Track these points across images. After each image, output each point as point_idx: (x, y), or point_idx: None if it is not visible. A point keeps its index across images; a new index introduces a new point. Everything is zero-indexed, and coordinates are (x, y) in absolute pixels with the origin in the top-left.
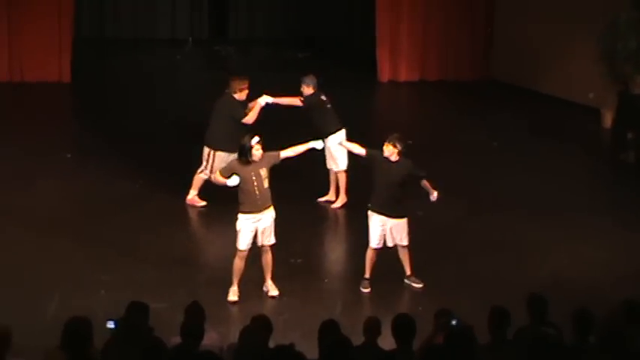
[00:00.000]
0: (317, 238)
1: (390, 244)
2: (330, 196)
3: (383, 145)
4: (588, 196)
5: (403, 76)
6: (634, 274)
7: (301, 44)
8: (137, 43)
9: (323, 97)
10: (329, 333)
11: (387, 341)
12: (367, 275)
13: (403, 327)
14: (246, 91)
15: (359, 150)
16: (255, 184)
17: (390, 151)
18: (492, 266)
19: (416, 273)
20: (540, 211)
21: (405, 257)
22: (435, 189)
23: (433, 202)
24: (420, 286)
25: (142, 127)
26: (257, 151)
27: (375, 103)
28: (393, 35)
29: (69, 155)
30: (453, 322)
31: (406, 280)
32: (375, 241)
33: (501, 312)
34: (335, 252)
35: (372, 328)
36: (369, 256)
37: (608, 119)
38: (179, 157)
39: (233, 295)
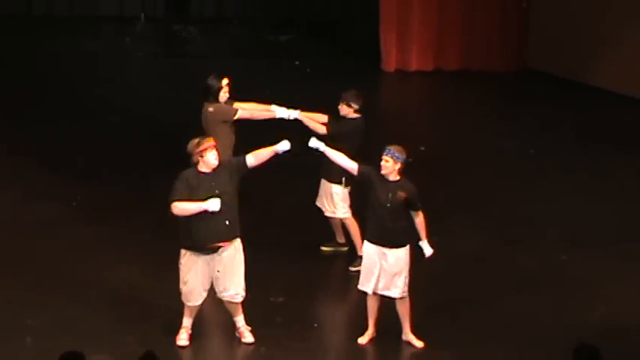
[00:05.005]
0: (303, 276)
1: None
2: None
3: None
4: None
5: (414, 64)
6: None
7: (284, 25)
8: (74, 21)
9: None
10: None
11: None
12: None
13: None
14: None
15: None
16: None
17: (346, 111)
18: (529, 307)
19: (434, 315)
20: (589, 239)
21: None
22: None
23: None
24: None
25: (81, 127)
26: (225, 94)
27: (379, 98)
28: (402, 15)
29: None
30: None
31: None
32: None
33: None
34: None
35: None
36: None
37: None
38: (126, 164)
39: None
